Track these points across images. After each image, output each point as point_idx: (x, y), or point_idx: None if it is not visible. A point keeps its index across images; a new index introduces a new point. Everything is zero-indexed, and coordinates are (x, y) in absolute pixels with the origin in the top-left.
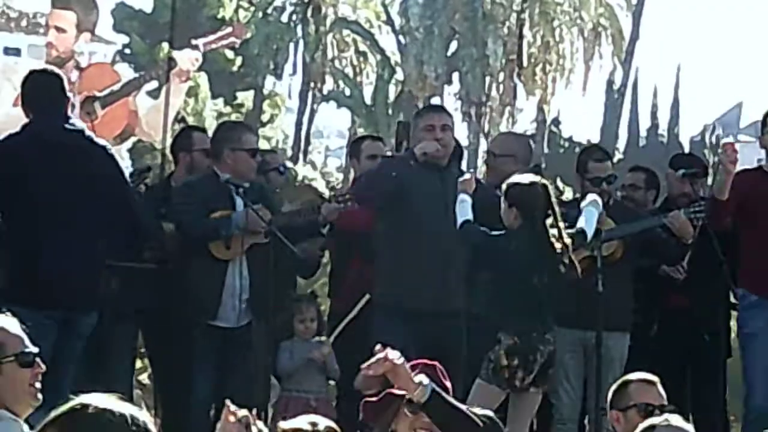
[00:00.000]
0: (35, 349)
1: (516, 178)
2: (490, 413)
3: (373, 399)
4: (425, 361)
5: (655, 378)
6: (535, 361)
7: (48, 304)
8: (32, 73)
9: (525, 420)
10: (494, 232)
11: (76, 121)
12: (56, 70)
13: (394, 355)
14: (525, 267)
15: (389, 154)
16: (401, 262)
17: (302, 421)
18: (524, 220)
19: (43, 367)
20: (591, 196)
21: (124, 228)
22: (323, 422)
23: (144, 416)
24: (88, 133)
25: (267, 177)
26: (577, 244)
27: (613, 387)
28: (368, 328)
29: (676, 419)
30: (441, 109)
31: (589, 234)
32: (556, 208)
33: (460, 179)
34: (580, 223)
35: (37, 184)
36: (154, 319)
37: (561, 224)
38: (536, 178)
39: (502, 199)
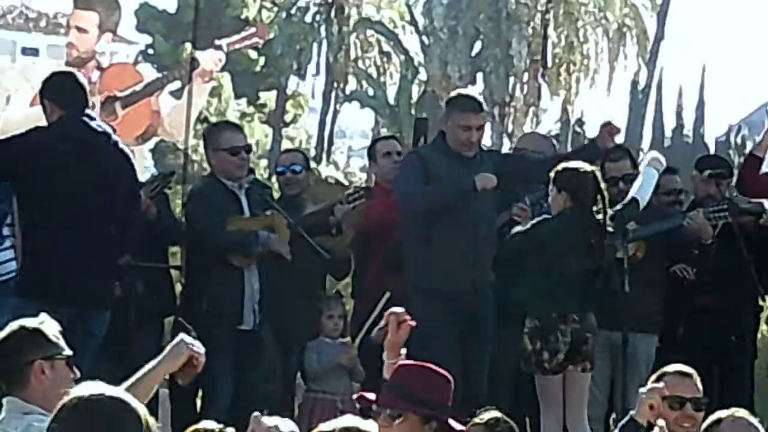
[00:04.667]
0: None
1: (567, 164)
2: (498, 414)
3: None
4: (428, 365)
5: (690, 370)
6: (557, 341)
7: (58, 300)
8: (55, 74)
9: (576, 402)
10: (529, 226)
11: (103, 123)
12: (77, 72)
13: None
14: (565, 249)
15: (400, 149)
16: (434, 244)
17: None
18: (574, 203)
19: (78, 373)
20: (652, 153)
21: (141, 230)
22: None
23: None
24: (114, 137)
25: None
26: (628, 215)
27: (651, 379)
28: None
29: (742, 412)
30: (480, 107)
31: (642, 202)
32: (605, 194)
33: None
34: (634, 189)
35: (58, 180)
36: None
37: (609, 211)
38: (586, 165)
39: (551, 184)
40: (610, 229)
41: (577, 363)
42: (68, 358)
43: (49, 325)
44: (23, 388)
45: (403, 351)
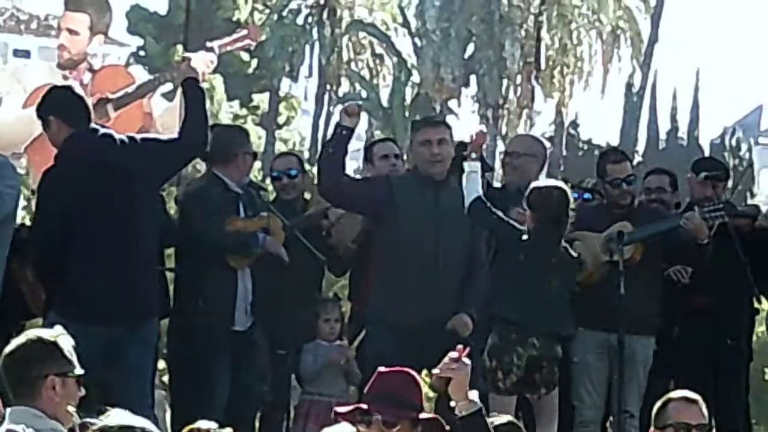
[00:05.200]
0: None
1: (538, 182)
2: (511, 418)
3: (344, 411)
4: (404, 369)
5: (696, 396)
6: (511, 362)
7: (92, 319)
8: (55, 88)
9: (545, 421)
10: (512, 221)
11: (102, 128)
12: (73, 84)
13: (466, 360)
14: (529, 269)
15: (398, 152)
16: (392, 276)
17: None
18: (537, 223)
19: (83, 391)
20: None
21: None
22: None
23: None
24: (117, 136)
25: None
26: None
27: (657, 404)
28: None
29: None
30: (438, 122)
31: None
32: (570, 215)
33: (473, 132)
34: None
35: (84, 203)
36: (174, 322)
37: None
38: (558, 184)
39: (524, 202)
40: (573, 253)
41: (533, 392)
42: (79, 377)
43: (64, 339)
44: (32, 399)
45: (472, 393)
